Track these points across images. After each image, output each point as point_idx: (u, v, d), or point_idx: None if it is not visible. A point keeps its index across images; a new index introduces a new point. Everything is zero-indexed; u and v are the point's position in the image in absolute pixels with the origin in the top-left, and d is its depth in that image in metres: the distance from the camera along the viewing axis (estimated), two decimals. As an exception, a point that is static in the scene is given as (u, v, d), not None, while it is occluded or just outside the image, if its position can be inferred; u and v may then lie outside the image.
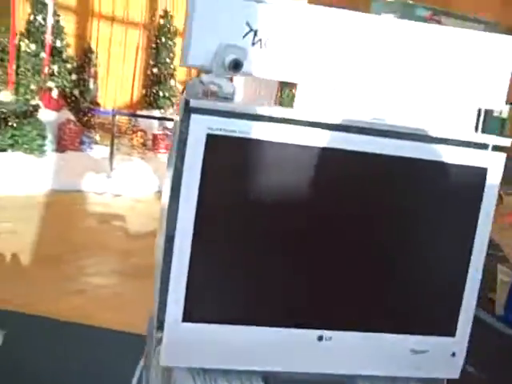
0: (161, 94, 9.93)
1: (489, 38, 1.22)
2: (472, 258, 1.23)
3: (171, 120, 8.74)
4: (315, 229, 1.15)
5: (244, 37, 1.10)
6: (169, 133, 9.26)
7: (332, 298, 1.20)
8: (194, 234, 1.09)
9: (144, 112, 10.19)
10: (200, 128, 1.05)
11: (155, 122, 9.70)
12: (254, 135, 1.07)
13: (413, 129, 1.15)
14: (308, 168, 1.12)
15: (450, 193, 1.20)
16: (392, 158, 1.14)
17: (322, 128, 1.10)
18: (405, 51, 1.19)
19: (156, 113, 10.14)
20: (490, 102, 1.24)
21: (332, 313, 1.20)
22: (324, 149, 1.10)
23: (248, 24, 1.10)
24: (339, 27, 1.15)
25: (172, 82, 10.40)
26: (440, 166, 1.17)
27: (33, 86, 8.01)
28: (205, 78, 1.07)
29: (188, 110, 1.05)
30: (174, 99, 10.12)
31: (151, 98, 10.36)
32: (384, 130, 1.13)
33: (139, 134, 9.69)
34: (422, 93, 1.21)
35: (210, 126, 1.05)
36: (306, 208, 1.14)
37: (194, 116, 1.05)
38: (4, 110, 7.37)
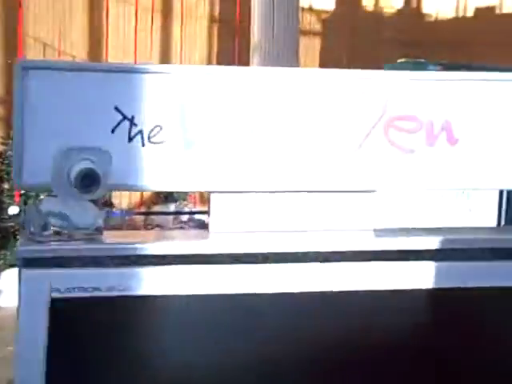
0: (175, 186, 9.71)
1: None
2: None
3: (186, 213, 8.41)
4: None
5: (114, 130, 0.69)
6: (186, 227, 8.88)
7: None
8: None
9: (160, 207, 9.87)
10: (38, 289, 0.63)
11: (170, 217, 9.35)
12: (131, 290, 0.64)
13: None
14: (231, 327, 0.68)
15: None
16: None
17: (253, 262, 0.67)
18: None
19: (172, 207, 9.84)
20: None
21: None
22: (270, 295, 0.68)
23: (118, 109, 0.69)
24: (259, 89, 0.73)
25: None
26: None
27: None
28: (44, 204, 0.65)
29: (20, 262, 0.63)
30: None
31: (165, 192, 10.09)
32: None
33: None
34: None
35: (56, 285, 0.63)
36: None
37: (26, 272, 0.63)
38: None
